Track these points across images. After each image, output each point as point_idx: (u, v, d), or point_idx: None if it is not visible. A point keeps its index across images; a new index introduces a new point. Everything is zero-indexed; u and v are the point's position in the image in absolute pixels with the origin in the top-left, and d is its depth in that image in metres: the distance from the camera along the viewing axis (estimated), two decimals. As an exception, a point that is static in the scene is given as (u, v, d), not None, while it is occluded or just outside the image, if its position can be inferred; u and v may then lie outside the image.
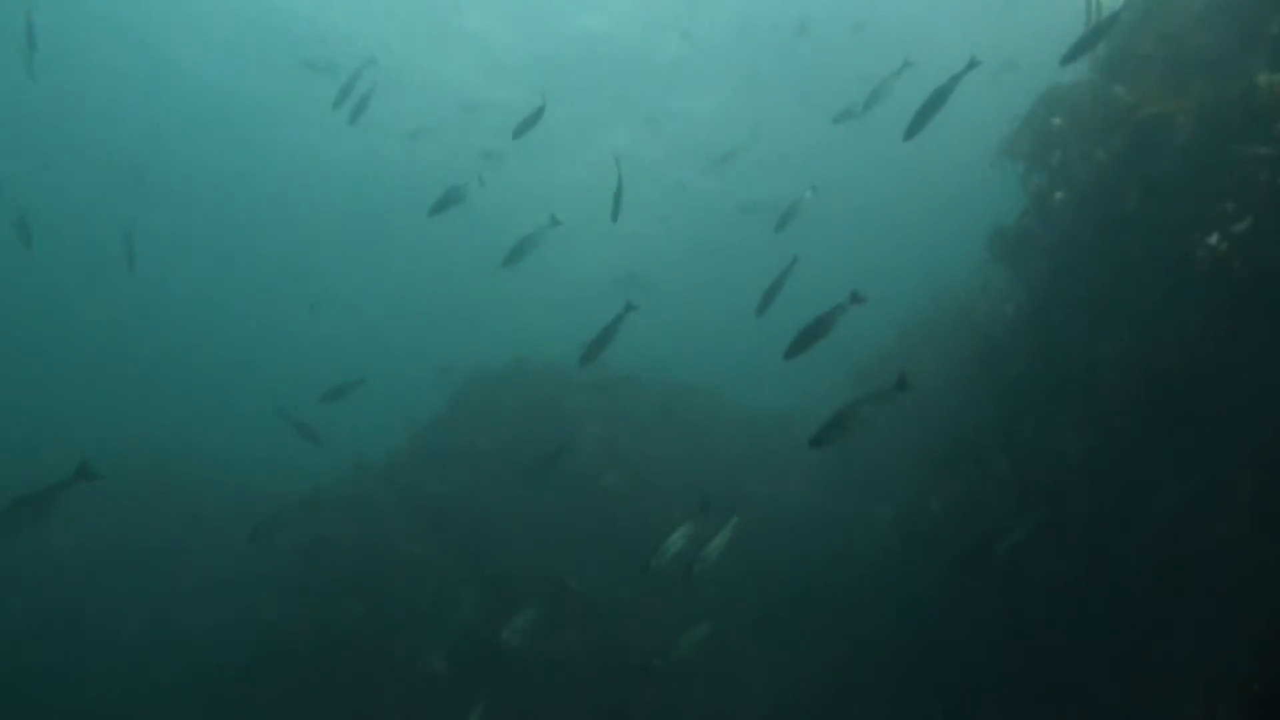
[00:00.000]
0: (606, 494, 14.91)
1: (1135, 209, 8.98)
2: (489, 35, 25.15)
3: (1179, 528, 7.79)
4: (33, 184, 26.63)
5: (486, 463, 15.62)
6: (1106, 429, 8.61)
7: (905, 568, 12.23)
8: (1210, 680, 6.55)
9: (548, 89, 12.65)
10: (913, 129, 9.49)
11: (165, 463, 20.67)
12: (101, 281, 27.32)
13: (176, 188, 31.24)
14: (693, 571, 9.03)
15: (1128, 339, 8.50)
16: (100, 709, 14.69)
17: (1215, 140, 8.11)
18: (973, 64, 9.09)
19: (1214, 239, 7.54)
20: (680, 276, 36.16)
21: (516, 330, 28.59)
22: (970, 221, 15.90)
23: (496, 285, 25.66)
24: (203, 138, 28.88)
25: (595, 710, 11.63)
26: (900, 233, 32.51)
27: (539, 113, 11.62)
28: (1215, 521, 7.20)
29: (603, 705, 11.65)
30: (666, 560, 9.07)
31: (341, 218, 34.70)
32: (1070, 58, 9.37)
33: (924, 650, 10.98)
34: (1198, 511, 7.57)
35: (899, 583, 12.14)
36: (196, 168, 30.65)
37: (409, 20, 24.30)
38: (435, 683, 11.79)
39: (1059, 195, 10.14)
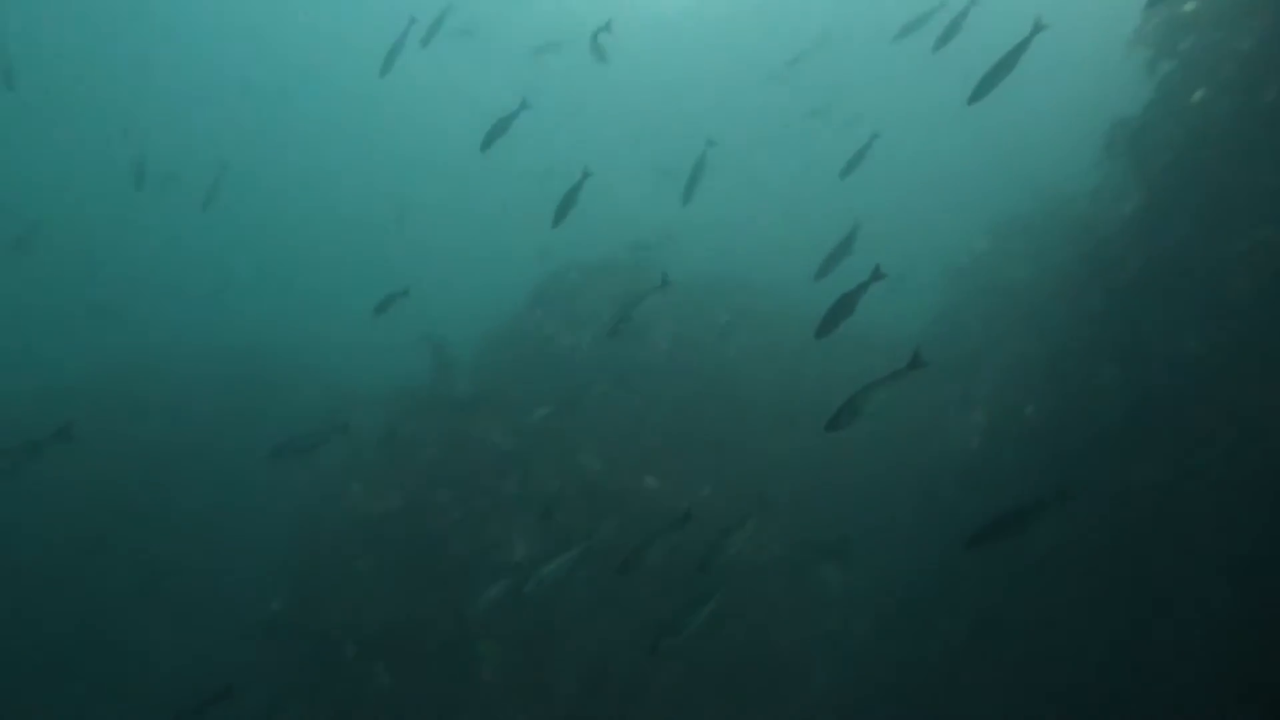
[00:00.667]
0: (680, 400, 14.80)
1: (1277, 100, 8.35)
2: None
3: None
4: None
5: (564, 359, 15.62)
6: (1234, 330, 8.15)
7: (994, 476, 11.97)
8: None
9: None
10: (977, 94, 9.06)
11: (261, 362, 21.30)
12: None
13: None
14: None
15: (1266, 235, 7.96)
16: (197, 588, 15.37)
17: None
18: (1038, 28, 8.51)
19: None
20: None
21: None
22: (1074, 121, 15.08)
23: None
24: (317, 53, 28.93)
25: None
26: (991, 132, 31.26)
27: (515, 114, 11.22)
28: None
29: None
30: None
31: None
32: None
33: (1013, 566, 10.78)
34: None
35: (987, 492, 11.90)
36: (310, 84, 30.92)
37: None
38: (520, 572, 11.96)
39: (1194, 91, 9.47)
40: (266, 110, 36.38)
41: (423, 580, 12.22)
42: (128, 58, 32.78)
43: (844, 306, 8.53)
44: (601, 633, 11.35)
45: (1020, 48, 8.66)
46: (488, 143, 11.29)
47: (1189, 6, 9.92)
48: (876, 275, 8.34)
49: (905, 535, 12.68)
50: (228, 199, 21.71)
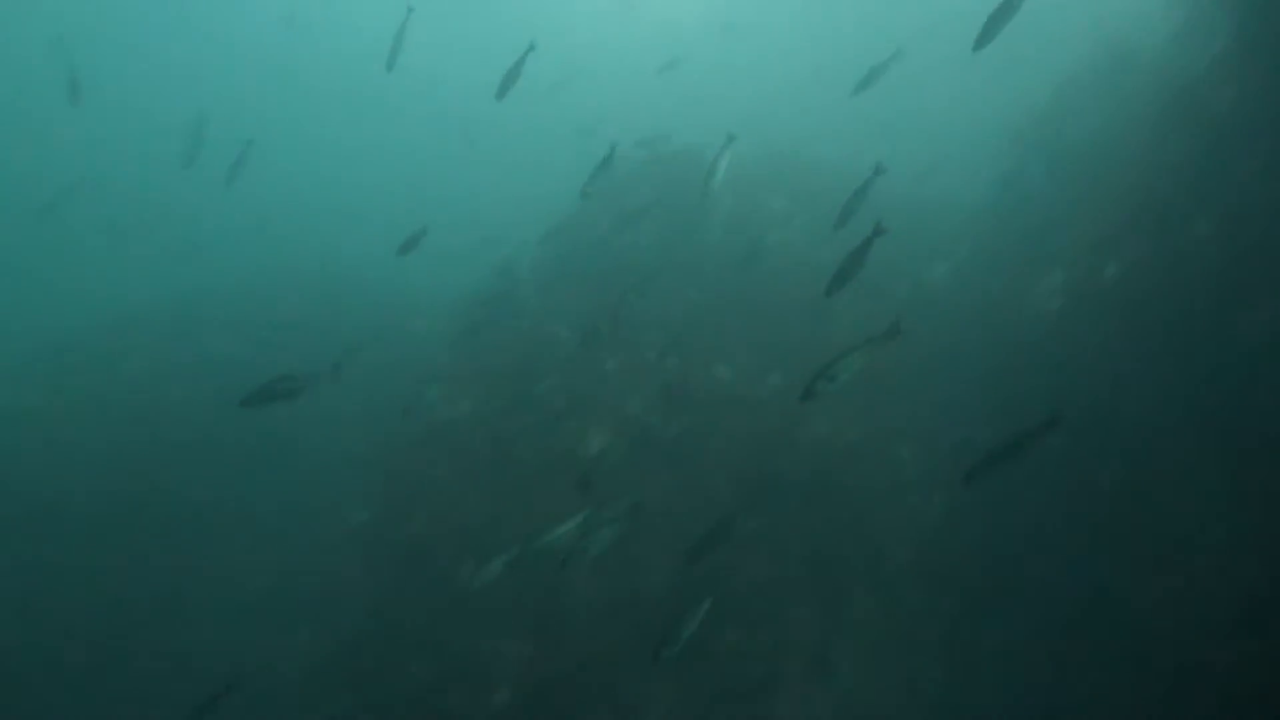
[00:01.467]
0: (743, 288, 14.59)
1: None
2: None
3: None
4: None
5: (624, 254, 15.45)
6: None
7: (1071, 339, 11.67)
8: None
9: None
10: (982, 40, 8.83)
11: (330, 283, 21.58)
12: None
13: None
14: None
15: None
16: (283, 504, 15.80)
17: None
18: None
19: None
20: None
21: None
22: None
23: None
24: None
25: (748, 498, 11.72)
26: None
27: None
28: None
29: (754, 495, 11.72)
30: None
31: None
32: None
33: (1095, 431, 10.56)
34: None
35: (1063, 357, 11.63)
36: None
37: None
38: (597, 467, 12.03)
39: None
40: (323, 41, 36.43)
41: (502, 483, 12.38)
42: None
43: (853, 263, 8.53)
44: (683, 522, 11.45)
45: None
46: (503, 91, 11.15)
47: None
48: (879, 230, 8.29)
49: (983, 408, 12.50)
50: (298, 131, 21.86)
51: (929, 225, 16.13)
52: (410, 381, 13.44)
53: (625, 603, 10.74)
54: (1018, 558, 10.70)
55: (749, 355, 13.21)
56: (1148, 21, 13.17)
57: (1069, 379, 11.19)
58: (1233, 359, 8.62)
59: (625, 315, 12.33)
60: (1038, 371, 11.90)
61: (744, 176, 16.61)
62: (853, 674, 10.19)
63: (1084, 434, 10.62)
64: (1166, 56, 11.90)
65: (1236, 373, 8.58)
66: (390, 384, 14.21)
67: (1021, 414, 11.62)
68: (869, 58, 12.43)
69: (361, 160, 41.87)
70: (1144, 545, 9.31)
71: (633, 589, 10.82)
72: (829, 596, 10.63)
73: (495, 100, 11.20)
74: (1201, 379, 8.98)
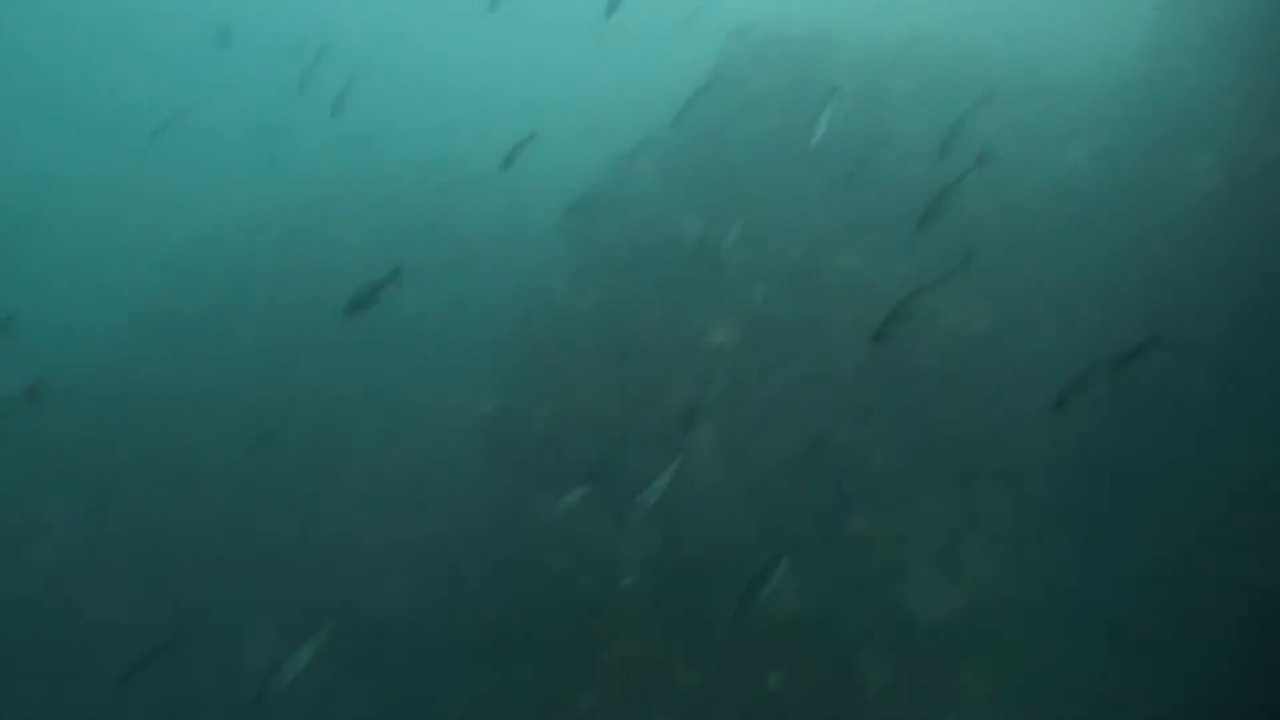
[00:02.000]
0: (866, 174, 14.14)
1: None
2: None
3: None
4: None
5: (746, 143, 15.12)
6: None
7: (1225, 223, 10.99)
8: None
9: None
10: None
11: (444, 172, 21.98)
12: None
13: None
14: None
15: None
16: (413, 396, 16.41)
17: None
18: None
19: None
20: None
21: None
22: None
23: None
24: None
25: (875, 388, 11.58)
26: None
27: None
28: None
29: (881, 385, 11.57)
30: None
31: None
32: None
33: (1249, 321, 10.00)
34: None
35: (1216, 242, 10.98)
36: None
37: None
38: (720, 357, 12.07)
39: None
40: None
41: (628, 374, 12.55)
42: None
43: (943, 201, 8.33)
44: (809, 411, 11.45)
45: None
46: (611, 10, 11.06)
47: None
48: (981, 160, 8.15)
49: (1124, 297, 11.99)
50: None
51: (1067, 104, 15.26)
52: (537, 274, 13.63)
53: (748, 494, 10.88)
54: (1160, 449, 10.37)
55: (877, 243, 12.91)
56: None
57: (1221, 265, 10.60)
58: None
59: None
60: (1186, 258, 11.30)
61: (871, 61, 16.00)
62: (983, 565, 10.13)
63: (1238, 322, 10.10)
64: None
65: None
66: (517, 277, 14.45)
67: (1166, 303, 11.18)
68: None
69: (487, 63, 41.81)
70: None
71: (757, 480, 10.92)
72: (959, 487, 10.52)
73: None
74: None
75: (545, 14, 40.81)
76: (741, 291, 11.94)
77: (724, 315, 11.74)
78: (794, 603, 9.66)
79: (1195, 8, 14.10)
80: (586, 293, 12.74)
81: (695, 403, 9.29)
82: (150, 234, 24.65)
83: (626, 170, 15.51)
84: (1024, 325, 12.27)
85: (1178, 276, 11.28)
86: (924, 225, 8.47)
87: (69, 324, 25.29)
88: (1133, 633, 9.50)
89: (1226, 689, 8.53)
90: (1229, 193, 10.99)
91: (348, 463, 17.29)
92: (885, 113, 15.40)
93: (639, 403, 11.84)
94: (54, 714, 14.35)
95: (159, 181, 32.21)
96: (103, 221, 33.92)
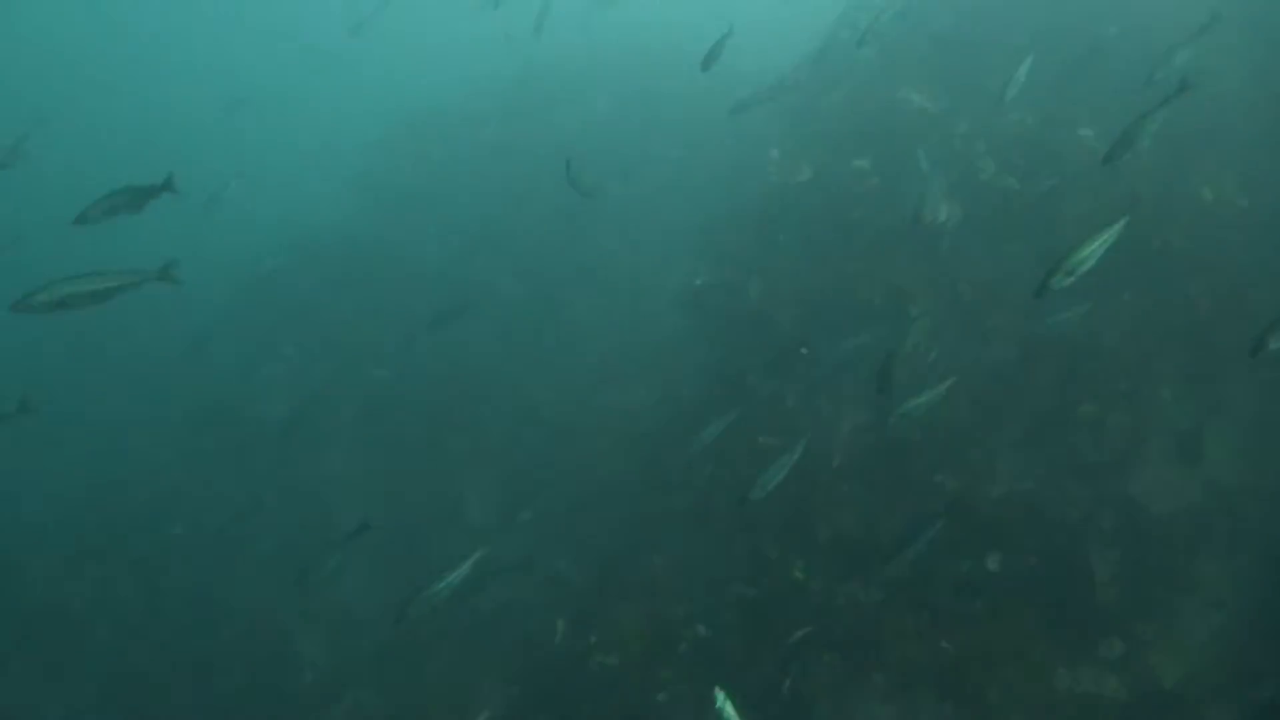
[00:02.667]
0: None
1: None
2: None
3: None
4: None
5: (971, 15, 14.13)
6: None
7: None
8: None
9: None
10: None
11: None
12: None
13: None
14: None
15: None
16: (628, 272, 16.71)
17: None
18: None
19: None
20: None
21: None
22: None
23: None
24: None
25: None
26: None
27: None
28: None
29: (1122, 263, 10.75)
30: None
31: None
32: None
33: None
34: None
35: None
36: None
37: None
38: (940, 237, 11.64)
39: None
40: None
41: (841, 250, 12.31)
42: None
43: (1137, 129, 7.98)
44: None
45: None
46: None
47: None
48: (1184, 88, 7.78)
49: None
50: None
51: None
52: (751, 146, 13.43)
53: (968, 376, 10.58)
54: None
55: (1119, 113, 11.90)
56: None
57: None
58: None
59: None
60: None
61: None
62: (1224, 458, 9.53)
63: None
64: None
65: None
66: (730, 153, 14.30)
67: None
68: None
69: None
70: None
71: (977, 359, 10.60)
72: (1200, 375, 9.85)
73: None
74: None
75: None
76: (968, 164, 11.37)
77: (947, 189, 11.20)
78: (1017, 485, 9.45)
79: None
80: (800, 167, 12.45)
81: (889, 359, 9.01)
82: (376, 109, 25.74)
83: (842, 42, 14.88)
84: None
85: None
86: (1113, 158, 8.17)
87: (299, 192, 27.05)
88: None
89: None
90: None
91: (557, 336, 17.95)
92: None
93: (854, 279, 11.63)
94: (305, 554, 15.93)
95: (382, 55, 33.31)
96: (333, 97, 35.63)
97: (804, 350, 11.58)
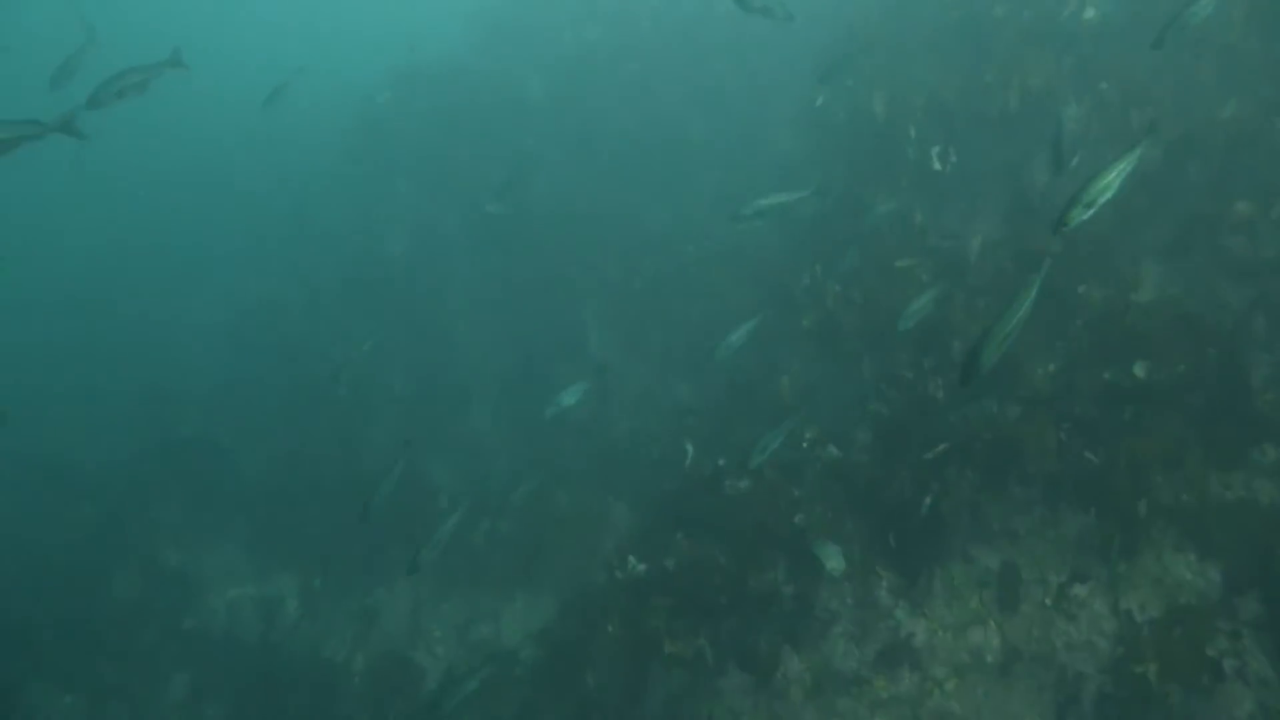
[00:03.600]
0: None
1: None
2: None
3: None
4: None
5: None
6: None
7: None
8: None
9: None
10: None
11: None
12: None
13: None
14: None
15: None
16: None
17: None
18: None
19: None
20: None
21: None
22: None
23: None
24: None
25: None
26: None
27: None
28: None
29: None
30: None
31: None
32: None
33: None
34: None
35: None
36: None
37: None
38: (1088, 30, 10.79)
39: None
40: None
41: (972, 54, 11.59)
42: None
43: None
44: (1192, 84, 10.08)
45: None
46: None
47: None
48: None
49: None
50: None
51: None
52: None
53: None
54: None
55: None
56: None
57: None
58: None
59: None
60: None
61: None
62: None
63: None
64: None
65: None
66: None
67: None
68: None
69: None
70: None
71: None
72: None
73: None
74: None
75: None
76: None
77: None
78: (1165, 291, 9.00)
79: None
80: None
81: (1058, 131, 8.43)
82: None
83: None
84: None
85: None
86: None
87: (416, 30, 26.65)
88: None
89: None
90: None
91: (674, 165, 17.59)
92: None
93: (992, 88, 10.93)
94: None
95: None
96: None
97: (936, 165, 11.09)
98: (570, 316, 16.42)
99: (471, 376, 16.37)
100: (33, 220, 30.45)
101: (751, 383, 12.08)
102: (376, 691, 10.74)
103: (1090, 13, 10.58)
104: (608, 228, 16.85)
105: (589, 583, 10.51)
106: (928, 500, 8.28)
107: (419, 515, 13.32)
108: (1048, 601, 7.74)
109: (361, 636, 12.29)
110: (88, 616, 12.65)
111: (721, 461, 10.04)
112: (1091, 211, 6.53)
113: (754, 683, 8.10)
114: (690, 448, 10.77)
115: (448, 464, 14.89)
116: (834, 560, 8.23)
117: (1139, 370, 8.19)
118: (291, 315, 18.95)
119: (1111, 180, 6.44)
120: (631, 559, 9.24)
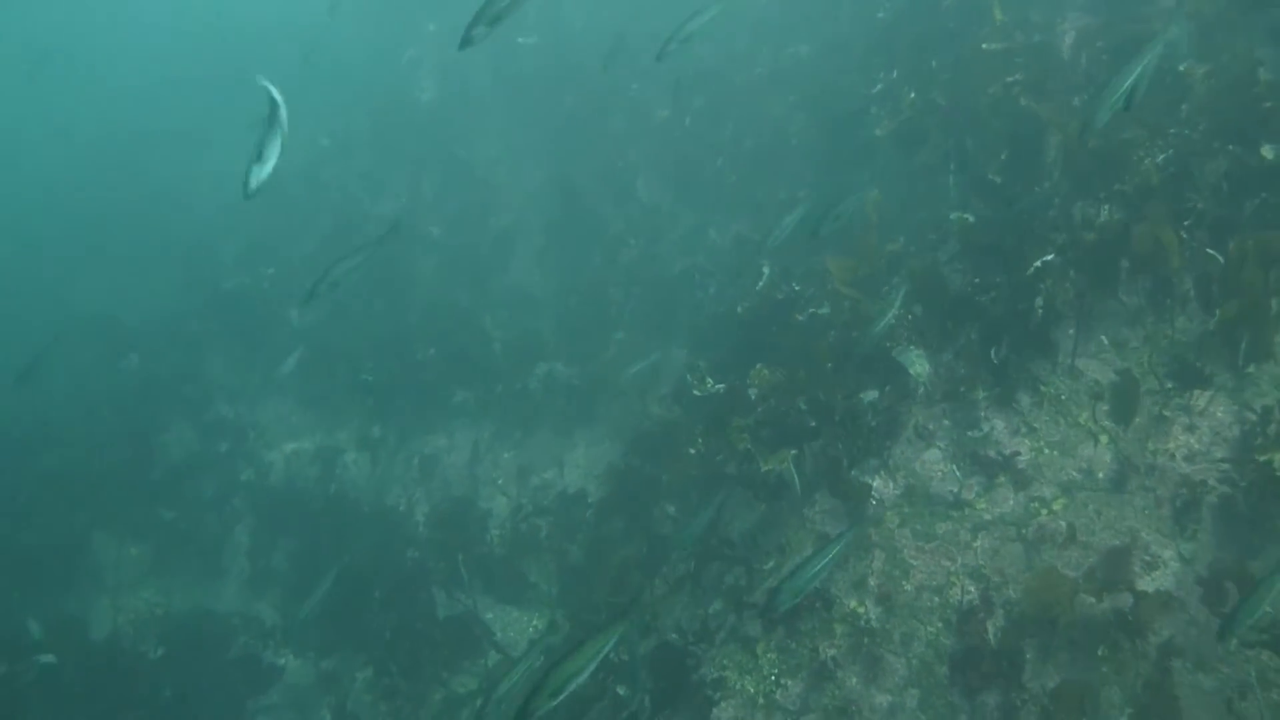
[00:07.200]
0: None
1: None
2: None
3: None
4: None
5: None
6: None
7: None
8: None
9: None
10: None
11: None
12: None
13: None
14: None
15: None
16: None
17: None
18: None
19: None
20: None
21: None
22: None
23: None
24: None
25: None
26: None
27: None
28: None
29: None
30: None
31: None
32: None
33: None
34: None
35: None
36: None
37: None
38: None
39: None
40: None
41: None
42: None
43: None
44: None
45: None
46: None
47: None
48: None
49: None
50: None
51: None
52: None
53: None
54: None
55: None
56: None
57: None
58: None
59: None
60: None
61: None
62: None
63: None
64: None
65: None
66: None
67: None
68: None
69: None
70: None
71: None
72: None
73: None
74: None
75: None
76: None
77: None
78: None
79: None
80: None
81: None
82: None
83: None
84: None
85: None
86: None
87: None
88: None
89: None
90: None
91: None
92: None
93: None
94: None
95: None
96: None
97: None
98: (616, 160, 15.54)
99: (515, 221, 15.70)
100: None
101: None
102: (442, 535, 10.49)
103: None
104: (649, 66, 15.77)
105: (654, 416, 10.13)
106: (1039, 304, 7.61)
107: (473, 360, 12.95)
108: (1165, 412, 7.14)
109: (422, 483, 12.05)
110: (144, 468, 12.47)
111: (796, 286, 9.43)
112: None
113: (845, 508, 7.64)
114: (766, 269, 10.06)
115: (498, 314, 14.36)
116: (918, 365, 7.74)
117: (1268, 152, 7.35)
118: (324, 162, 18.17)
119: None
120: (709, 379, 8.75)
